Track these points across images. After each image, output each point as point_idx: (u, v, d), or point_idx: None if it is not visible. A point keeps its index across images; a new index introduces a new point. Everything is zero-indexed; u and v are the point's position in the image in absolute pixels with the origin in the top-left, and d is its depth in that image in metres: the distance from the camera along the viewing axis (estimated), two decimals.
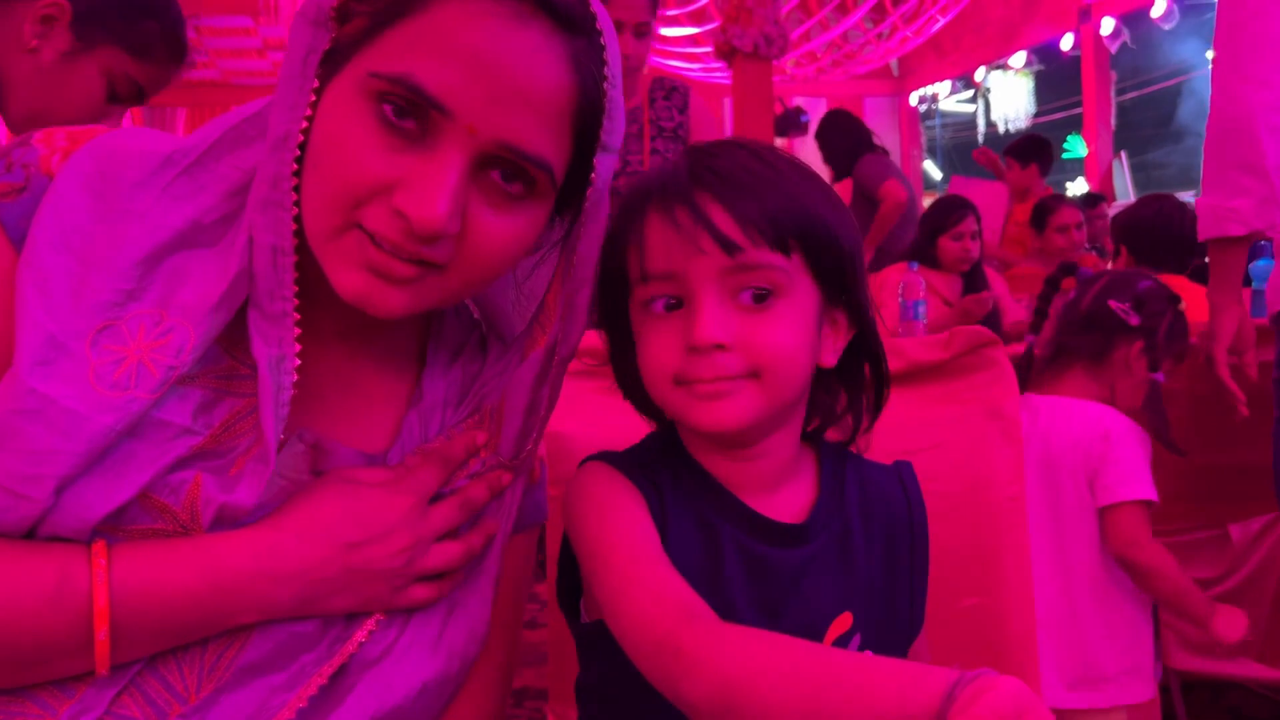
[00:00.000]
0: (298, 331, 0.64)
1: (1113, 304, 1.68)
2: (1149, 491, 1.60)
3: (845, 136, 4.18)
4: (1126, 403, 1.68)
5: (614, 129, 0.68)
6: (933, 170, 11.18)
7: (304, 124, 0.62)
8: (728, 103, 6.77)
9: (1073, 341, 1.71)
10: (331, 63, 0.63)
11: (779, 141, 6.50)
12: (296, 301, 0.64)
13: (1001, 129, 8.45)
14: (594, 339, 1.07)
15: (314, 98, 0.63)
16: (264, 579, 0.63)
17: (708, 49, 5.96)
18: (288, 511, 0.66)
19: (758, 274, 0.71)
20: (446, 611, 0.73)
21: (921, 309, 2.70)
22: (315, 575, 0.65)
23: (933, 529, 0.83)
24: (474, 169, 0.62)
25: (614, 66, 0.66)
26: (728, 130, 6.20)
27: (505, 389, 0.75)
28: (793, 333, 0.72)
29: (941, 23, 7.23)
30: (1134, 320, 1.66)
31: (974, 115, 9.75)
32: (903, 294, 2.71)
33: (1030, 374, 1.79)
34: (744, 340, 0.70)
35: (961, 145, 11.52)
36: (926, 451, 1.08)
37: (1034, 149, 4.74)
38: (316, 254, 0.64)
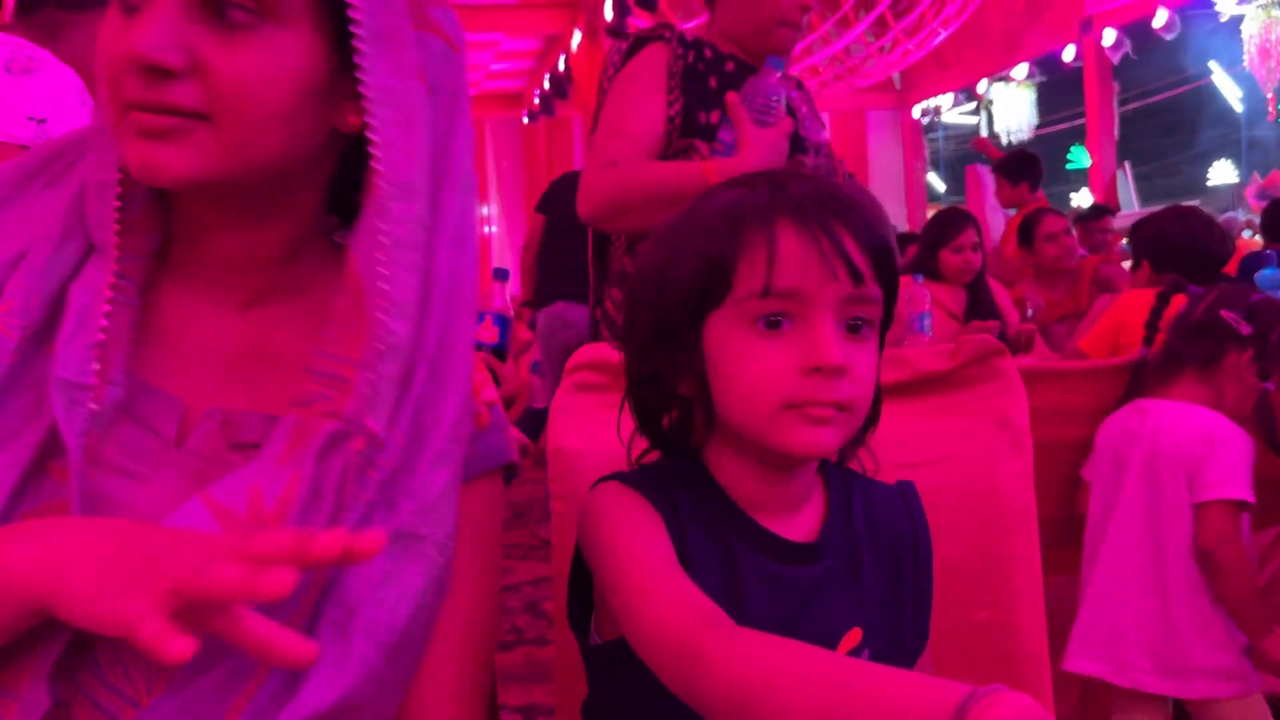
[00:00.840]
0: (118, 254, 0.67)
1: (1224, 314, 1.76)
2: (1246, 493, 1.65)
3: None
4: (1235, 409, 1.74)
5: None
6: (936, 182, 11.20)
7: None
8: None
9: (1185, 349, 1.79)
10: None
11: None
12: (118, 228, 0.67)
13: (1004, 140, 8.45)
14: (602, 352, 1.06)
15: None
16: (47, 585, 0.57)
17: None
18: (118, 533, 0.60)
19: (866, 306, 0.74)
20: (400, 583, 0.67)
21: (927, 321, 2.68)
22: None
23: (942, 542, 0.83)
24: (194, 5, 0.63)
25: None
26: None
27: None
28: (875, 363, 0.76)
29: (943, 35, 7.25)
30: (1245, 330, 1.73)
31: (977, 127, 9.77)
32: (908, 307, 2.70)
33: (1142, 382, 1.88)
34: (850, 367, 0.72)
35: (964, 158, 11.54)
36: (935, 464, 1.07)
37: (1022, 166, 4.68)
38: (120, 150, 0.66)
